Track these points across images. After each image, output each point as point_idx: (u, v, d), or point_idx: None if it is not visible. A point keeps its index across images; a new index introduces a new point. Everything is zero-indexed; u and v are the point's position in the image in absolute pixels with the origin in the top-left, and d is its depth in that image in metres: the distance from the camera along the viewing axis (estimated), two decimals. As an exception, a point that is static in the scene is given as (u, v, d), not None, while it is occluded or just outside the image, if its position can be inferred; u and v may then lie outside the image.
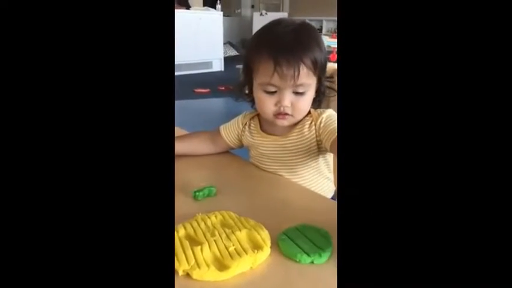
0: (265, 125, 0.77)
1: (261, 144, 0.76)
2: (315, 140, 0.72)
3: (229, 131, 0.81)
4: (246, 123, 0.79)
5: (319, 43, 0.68)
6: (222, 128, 0.82)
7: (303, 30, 0.68)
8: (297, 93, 0.66)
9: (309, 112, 0.72)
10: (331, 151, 0.70)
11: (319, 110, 0.73)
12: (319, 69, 0.67)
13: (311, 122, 0.72)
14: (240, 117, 0.81)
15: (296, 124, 0.73)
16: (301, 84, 0.65)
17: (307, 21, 0.74)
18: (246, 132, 0.78)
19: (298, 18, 0.82)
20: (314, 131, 0.72)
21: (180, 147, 0.76)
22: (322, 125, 0.70)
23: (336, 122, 0.69)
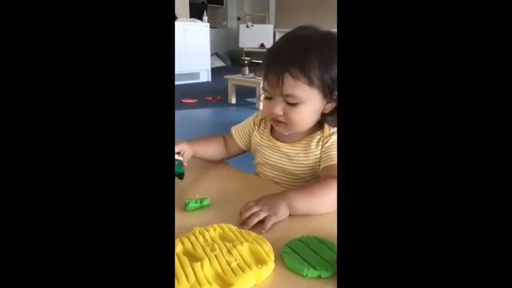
0: (274, 130, 0.74)
1: (267, 147, 0.75)
2: (319, 158, 0.68)
3: (242, 131, 0.80)
4: (258, 123, 0.78)
5: (324, 58, 0.61)
6: (233, 129, 0.81)
7: (305, 41, 0.63)
8: (289, 103, 0.64)
9: (323, 128, 0.69)
10: (320, 174, 0.67)
11: (334, 129, 0.68)
12: (320, 85, 0.62)
13: (320, 138, 0.69)
14: (252, 117, 0.80)
15: (305, 136, 0.70)
16: (289, 95, 0.62)
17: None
18: (256, 133, 0.78)
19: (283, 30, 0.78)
20: (320, 149, 0.68)
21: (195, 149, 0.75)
22: (327, 145, 0.67)
23: None
